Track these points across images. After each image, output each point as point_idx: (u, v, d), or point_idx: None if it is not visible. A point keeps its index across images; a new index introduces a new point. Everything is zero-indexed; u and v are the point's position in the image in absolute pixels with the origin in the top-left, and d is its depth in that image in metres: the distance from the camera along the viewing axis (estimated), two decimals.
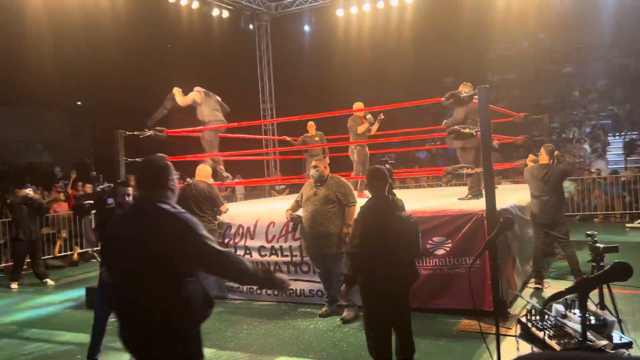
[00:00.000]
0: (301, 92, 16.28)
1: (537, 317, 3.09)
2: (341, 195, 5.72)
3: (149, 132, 7.90)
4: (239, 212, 7.33)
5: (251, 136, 11.63)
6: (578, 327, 2.77)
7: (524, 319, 3.15)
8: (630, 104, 18.23)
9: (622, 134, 16.72)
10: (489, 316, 5.41)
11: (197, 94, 8.31)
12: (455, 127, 5.94)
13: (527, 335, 3.07)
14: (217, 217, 6.98)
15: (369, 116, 8.74)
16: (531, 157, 7.22)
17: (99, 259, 10.92)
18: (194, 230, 2.47)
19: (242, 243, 6.94)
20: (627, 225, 10.91)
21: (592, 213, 11.94)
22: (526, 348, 3.08)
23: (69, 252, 10.79)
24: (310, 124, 10.01)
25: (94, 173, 5.54)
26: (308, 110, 9.60)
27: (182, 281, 2.40)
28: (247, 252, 6.89)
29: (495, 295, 5.24)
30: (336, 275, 5.75)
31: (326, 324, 5.73)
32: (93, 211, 4.87)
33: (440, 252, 5.70)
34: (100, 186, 5.21)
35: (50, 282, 8.80)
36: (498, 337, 3.33)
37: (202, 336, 2.58)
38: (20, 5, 12.98)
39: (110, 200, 4.81)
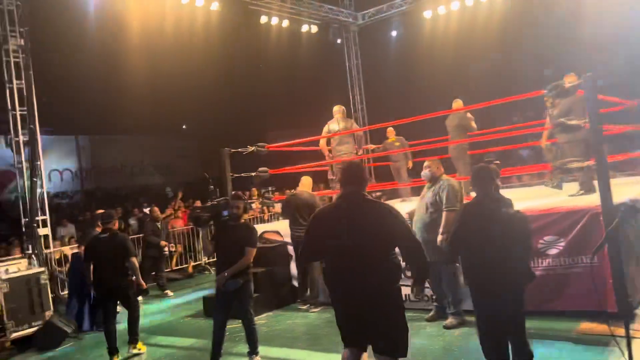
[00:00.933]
0: (392, 98, 16.26)
1: None
2: (440, 199, 5.54)
3: (252, 149, 8.30)
4: None
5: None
6: None
7: None
8: None
9: None
10: (611, 318, 5.08)
11: None
12: (561, 119, 5.66)
13: None
14: None
15: (468, 114, 8.56)
16: None
17: (213, 270, 11.65)
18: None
19: None
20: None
21: None
22: None
23: (184, 265, 11.55)
24: (390, 129, 10.00)
25: (212, 187, 5.95)
26: (399, 115, 9.57)
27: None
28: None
29: (621, 294, 4.94)
30: (445, 282, 5.67)
31: (434, 328, 5.68)
32: (210, 222, 5.27)
33: (553, 251, 5.44)
34: (216, 199, 5.58)
35: (170, 293, 9.48)
36: (629, 339, 3.13)
37: None
38: (122, 37, 14.13)
39: (225, 212, 5.14)
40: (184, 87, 19.70)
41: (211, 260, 12.25)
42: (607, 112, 7.98)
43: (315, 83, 16.48)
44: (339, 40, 14.20)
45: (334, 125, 8.52)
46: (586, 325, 5.09)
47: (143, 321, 7.17)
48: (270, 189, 15.68)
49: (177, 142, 27.39)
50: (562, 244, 5.40)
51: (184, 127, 28.41)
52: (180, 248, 11.52)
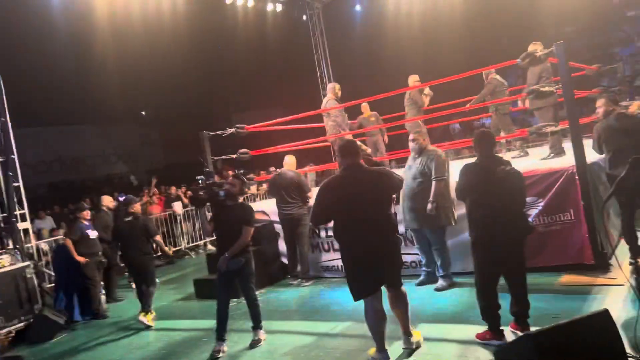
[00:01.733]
0: (359, 74, 16.40)
1: None
2: (429, 169, 5.78)
3: (231, 130, 8.32)
4: None
5: (314, 125, 11.86)
6: None
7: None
8: None
9: None
10: (589, 269, 5.47)
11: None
12: (534, 86, 5.95)
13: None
14: (307, 202, 7.33)
15: (427, 90, 8.83)
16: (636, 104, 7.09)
17: (194, 254, 11.69)
18: (391, 175, 4.24)
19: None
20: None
21: None
22: None
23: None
24: (364, 105, 10.17)
25: (207, 169, 6.01)
26: (366, 92, 9.72)
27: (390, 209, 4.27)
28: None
29: (596, 247, 5.32)
30: (435, 246, 5.94)
31: (426, 292, 5.96)
32: (207, 203, 5.40)
33: (533, 211, 5.77)
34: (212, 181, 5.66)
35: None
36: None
37: None
38: (81, 25, 13.72)
39: (222, 193, 5.23)
40: (144, 71, 19.30)
41: (191, 244, 12.30)
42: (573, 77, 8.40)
43: (282, 62, 16.44)
44: (304, 17, 14.16)
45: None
46: (567, 278, 5.46)
47: (136, 309, 7.22)
48: (241, 170, 15.68)
49: (139, 129, 26.89)
50: (541, 204, 5.73)
51: (142, 113, 27.87)
52: (158, 237, 11.44)
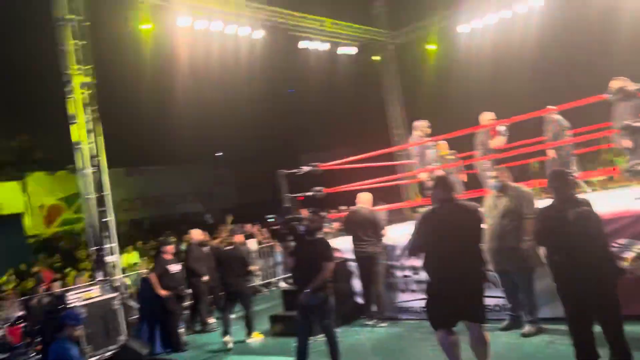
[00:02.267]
0: (432, 113, 16.28)
1: None
2: (519, 206, 5.55)
3: (307, 168, 8.49)
4: (402, 233, 7.54)
5: (385, 163, 11.84)
6: None
7: None
8: None
9: None
10: None
11: None
12: (627, 122, 5.67)
13: None
14: (382, 240, 7.25)
15: (500, 127, 8.51)
16: None
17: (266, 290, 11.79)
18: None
19: (408, 263, 7.11)
20: None
21: None
22: None
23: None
24: (443, 143, 9.97)
25: (287, 205, 6.17)
26: (440, 130, 9.62)
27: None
28: (415, 271, 7.03)
29: None
30: (523, 289, 5.67)
31: (511, 338, 5.65)
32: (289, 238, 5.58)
33: (630, 254, 5.38)
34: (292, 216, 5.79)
35: (231, 315, 9.63)
36: None
37: None
38: (161, 68, 14.56)
39: (302, 228, 5.34)
40: (219, 115, 20.19)
41: (264, 281, 12.43)
42: None
43: (352, 103, 16.70)
44: (378, 57, 14.41)
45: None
46: None
47: (217, 342, 7.31)
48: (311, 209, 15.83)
49: (214, 170, 27.99)
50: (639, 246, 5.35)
51: (220, 153, 29.04)
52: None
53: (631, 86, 5.69)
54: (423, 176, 7.97)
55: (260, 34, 11.86)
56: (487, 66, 15.15)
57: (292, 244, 5.59)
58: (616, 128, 6.04)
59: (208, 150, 26.97)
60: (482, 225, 4.48)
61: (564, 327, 5.45)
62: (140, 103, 18.48)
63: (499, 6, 12.59)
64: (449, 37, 14.07)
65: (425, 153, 8.15)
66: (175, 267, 7.76)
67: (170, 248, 7.87)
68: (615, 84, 6.15)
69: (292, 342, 6.78)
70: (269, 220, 17.79)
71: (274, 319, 7.68)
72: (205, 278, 8.35)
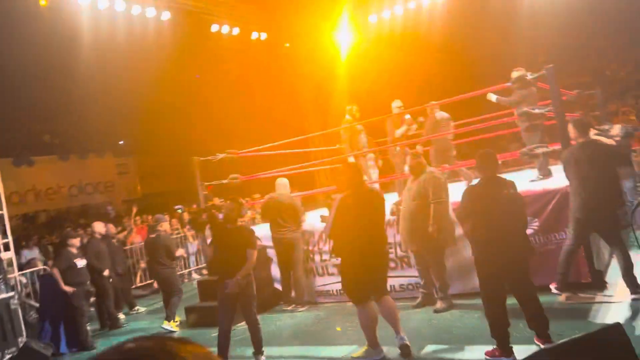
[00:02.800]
0: (343, 101, 16.53)
1: None
2: (426, 191, 5.80)
3: (221, 155, 8.29)
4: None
5: (299, 150, 11.88)
6: None
7: None
8: None
9: None
10: (586, 288, 5.54)
11: None
12: (525, 109, 6.12)
13: None
14: (302, 226, 7.28)
15: (408, 117, 8.86)
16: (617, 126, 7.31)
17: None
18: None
19: (326, 247, 7.20)
20: None
21: None
22: None
23: (149, 281, 11.27)
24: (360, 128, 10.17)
25: (206, 192, 5.97)
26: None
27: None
28: (333, 255, 7.14)
29: (592, 265, 5.41)
30: (433, 268, 5.95)
31: (425, 314, 5.94)
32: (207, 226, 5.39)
33: (529, 231, 5.84)
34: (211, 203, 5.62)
35: (141, 309, 9.26)
36: None
37: None
38: (57, 52, 13.55)
39: (221, 216, 5.20)
40: (123, 101, 19.16)
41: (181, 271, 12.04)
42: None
43: (263, 90, 16.50)
44: (287, 44, 14.35)
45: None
46: (566, 297, 5.52)
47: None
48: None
49: (115, 159, 26.53)
50: (537, 223, 5.83)
51: (121, 142, 27.57)
52: (143, 264, 11.23)
53: (529, 75, 6.13)
54: (351, 161, 7.91)
55: (166, 15, 11.36)
56: (396, 55, 15.61)
57: (212, 232, 5.40)
58: (516, 114, 6.49)
59: (109, 138, 25.46)
60: (385, 208, 4.83)
61: (473, 302, 5.86)
62: (31, 87, 17.04)
63: None
64: (361, 26, 14.30)
65: (355, 138, 8.12)
66: (81, 262, 7.27)
67: (76, 241, 7.37)
68: (516, 73, 6.60)
69: (210, 333, 6.68)
70: (176, 210, 17.26)
71: (190, 310, 7.48)
72: (106, 273, 7.90)
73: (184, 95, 20.38)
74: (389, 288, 6.60)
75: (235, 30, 12.61)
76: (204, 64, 16.72)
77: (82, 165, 24.31)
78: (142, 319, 8.72)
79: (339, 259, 6.92)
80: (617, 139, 8.03)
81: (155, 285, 11.27)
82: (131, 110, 19.91)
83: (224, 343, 5.07)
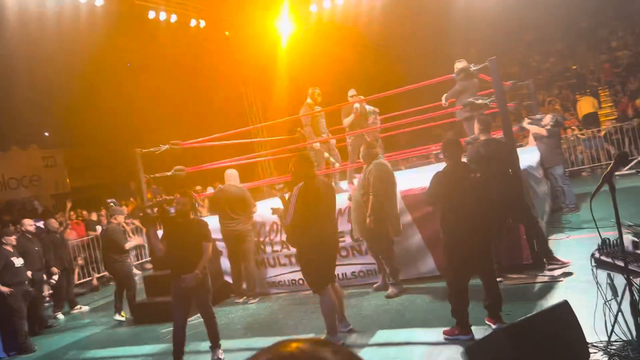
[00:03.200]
0: (283, 91, 16.49)
1: (609, 250, 3.50)
2: (369, 182, 5.88)
3: (165, 147, 8.04)
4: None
5: (244, 141, 11.77)
6: None
7: (597, 253, 3.55)
8: (592, 62, 19.20)
9: (588, 90, 17.55)
10: (528, 269, 5.87)
11: None
12: (470, 99, 6.35)
13: (603, 264, 3.48)
14: (251, 217, 7.22)
15: (356, 105, 8.97)
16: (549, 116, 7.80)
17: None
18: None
19: (277, 238, 7.20)
20: (615, 173, 11.58)
21: (580, 167, 12.63)
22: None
23: (87, 278, 10.84)
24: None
25: (155, 187, 5.74)
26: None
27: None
28: (285, 246, 7.15)
29: (533, 247, 5.74)
30: (383, 255, 6.08)
31: (378, 300, 6.07)
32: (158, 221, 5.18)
33: None
34: (160, 199, 5.44)
35: (84, 307, 8.89)
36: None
37: None
38: None
39: (172, 210, 5.05)
40: (48, 91, 18.15)
41: None
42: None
43: (200, 81, 16.11)
44: (227, 32, 14.07)
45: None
46: (510, 277, 5.82)
47: (71, 338, 6.76)
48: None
49: (41, 152, 25.10)
50: None
51: (46, 134, 26.11)
52: (80, 260, 10.76)
53: (473, 67, 6.37)
54: (316, 146, 7.83)
55: (100, 1, 10.85)
56: (334, 46, 15.69)
57: (163, 227, 5.22)
58: (449, 99, 6.74)
59: (33, 129, 24.02)
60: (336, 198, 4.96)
61: (424, 286, 6.07)
62: None
63: None
64: (301, 15, 14.26)
65: (315, 122, 7.96)
66: (19, 261, 6.86)
67: (11, 239, 6.93)
68: (458, 65, 6.83)
69: (158, 329, 6.54)
70: (110, 204, 16.61)
71: (137, 306, 7.26)
72: (54, 271, 7.56)
73: (117, 85, 19.56)
74: (340, 276, 6.79)
75: (173, 18, 12.20)
76: (141, 51, 16.09)
77: (3, 159, 22.85)
78: (81, 318, 8.38)
79: (294, 249, 7.01)
80: (548, 127, 8.55)
81: (95, 282, 10.93)
82: (58, 100, 18.91)
83: (180, 338, 4.97)
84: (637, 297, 3.21)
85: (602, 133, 12.82)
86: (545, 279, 5.52)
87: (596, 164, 12.53)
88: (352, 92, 8.10)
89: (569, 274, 5.46)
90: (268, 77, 15.47)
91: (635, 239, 3.44)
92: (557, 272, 5.55)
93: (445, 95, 7.49)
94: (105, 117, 21.33)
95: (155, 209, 5.23)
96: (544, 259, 5.72)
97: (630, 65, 17.82)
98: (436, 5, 18.88)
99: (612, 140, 12.37)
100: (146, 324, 6.99)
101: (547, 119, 8.64)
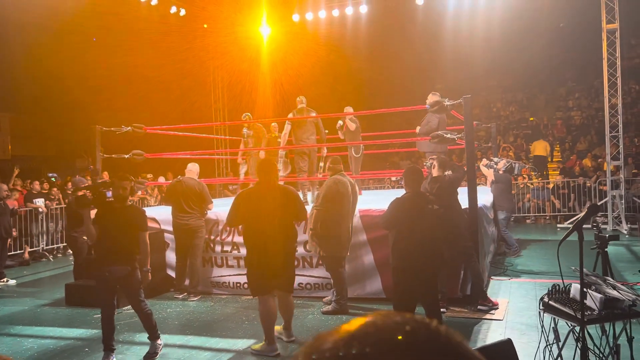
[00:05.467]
0: (249, 97, 16.41)
1: (559, 296, 3.64)
2: (319, 196, 6.02)
3: (127, 129, 7.83)
4: (227, 209, 7.47)
5: (209, 136, 11.62)
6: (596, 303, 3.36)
7: (546, 298, 3.69)
8: (547, 116, 20.16)
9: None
10: (462, 303, 6.02)
11: None
12: (439, 132, 6.52)
13: (551, 309, 3.62)
14: (206, 213, 7.10)
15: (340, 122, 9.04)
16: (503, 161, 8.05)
17: (52, 257, 10.55)
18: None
19: (229, 239, 7.10)
20: (558, 225, 12.18)
21: (525, 215, 13.17)
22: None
23: (19, 251, 10.30)
24: (273, 125, 10.19)
25: (92, 167, 5.56)
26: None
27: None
28: (235, 248, 7.06)
29: (476, 282, 5.91)
30: (330, 273, 6.09)
31: (319, 312, 6.07)
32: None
33: None
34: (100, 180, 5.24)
35: (11, 281, 8.42)
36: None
37: None
38: None
39: (109, 194, 4.85)
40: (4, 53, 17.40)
41: (50, 246, 11.12)
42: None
43: (178, 68, 15.78)
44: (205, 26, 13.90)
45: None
46: (452, 309, 5.96)
47: None
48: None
49: None
50: None
51: None
52: (15, 232, 10.22)
53: (447, 102, 6.56)
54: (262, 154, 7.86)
55: None
56: (310, 56, 15.81)
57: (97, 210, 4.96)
58: (424, 135, 6.91)
59: None
60: (296, 206, 4.86)
61: (368, 306, 6.12)
62: None
63: (331, 4, 13.23)
64: (282, 22, 14.28)
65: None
66: None
67: None
68: (433, 97, 7.02)
69: (91, 313, 6.29)
70: (51, 178, 15.96)
71: (70, 288, 6.95)
72: None
73: (79, 58, 18.88)
74: (299, 286, 6.74)
75: (154, 1, 11.95)
76: (113, 29, 15.65)
77: None
78: (8, 292, 7.94)
79: (244, 251, 6.94)
80: (500, 171, 8.90)
81: (27, 255, 10.38)
82: (10, 62, 18.10)
83: (108, 326, 4.76)
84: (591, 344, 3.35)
85: (551, 185, 13.44)
86: (486, 315, 5.69)
87: (541, 214, 13.10)
88: (301, 98, 8.13)
89: (502, 315, 5.64)
90: (238, 76, 15.37)
91: (586, 289, 3.60)
92: (489, 312, 5.72)
93: (419, 128, 7.70)
94: (60, 88, 20.51)
95: (88, 192, 4.98)
96: (477, 297, 5.84)
97: (582, 126, 18.83)
98: (408, 40, 19.50)
99: (559, 194, 12.99)
100: (79, 306, 6.71)
101: (502, 164, 8.98)
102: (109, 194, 4.92)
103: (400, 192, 4.88)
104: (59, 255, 11.30)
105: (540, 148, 16.00)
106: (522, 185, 13.38)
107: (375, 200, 7.52)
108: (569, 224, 10.92)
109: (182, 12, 12.84)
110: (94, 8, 13.20)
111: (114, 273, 4.72)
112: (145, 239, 4.88)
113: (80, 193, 6.78)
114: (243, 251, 6.98)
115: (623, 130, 11.32)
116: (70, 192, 7.66)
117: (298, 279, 6.77)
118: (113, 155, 7.92)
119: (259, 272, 4.66)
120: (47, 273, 9.47)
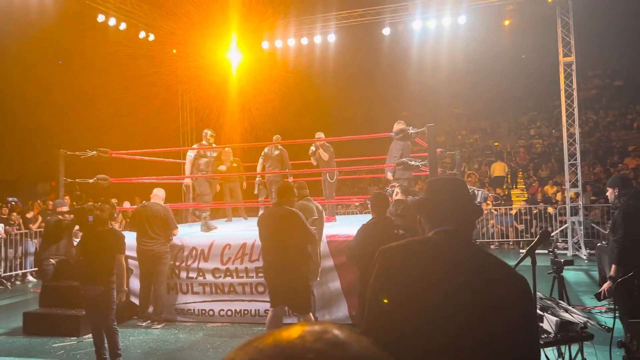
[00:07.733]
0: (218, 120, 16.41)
1: None
2: None
3: (92, 152, 7.73)
4: (193, 234, 7.42)
5: (175, 161, 11.54)
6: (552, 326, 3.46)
7: None
8: (510, 144, 20.77)
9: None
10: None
11: None
12: (404, 159, 6.67)
13: None
14: (171, 239, 7.02)
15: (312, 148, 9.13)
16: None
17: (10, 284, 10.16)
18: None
19: (195, 265, 7.02)
20: (521, 251, 12.45)
21: (489, 240, 13.43)
22: None
23: None
24: (227, 150, 10.11)
25: (78, 192, 5.52)
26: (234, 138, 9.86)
27: None
28: (200, 274, 6.99)
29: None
30: None
31: None
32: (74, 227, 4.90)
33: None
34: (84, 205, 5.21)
35: None
36: None
37: None
38: None
39: (91, 217, 4.90)
40: None
41: (7, 273, 10.74)
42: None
43: (145, 93, 15.67)
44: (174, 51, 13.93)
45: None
46: None
47: None
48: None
49: None
50: None
51: None
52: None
53: (411, 130, 6.72)
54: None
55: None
56: (277, 85, 15.98)
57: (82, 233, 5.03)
58: (390, 162, 7.05)
59: None
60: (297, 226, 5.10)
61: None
62: None
63: (301, 32, 13.47)
64: (251, 49, 14.43)
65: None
66: None
67: None
68: (398, 126, 7.19)
69: (49, 342, 6.09)
70: (10, 202, 15.52)
71: (29, 317, 6.72)
72: None
73: (44, 80, 18.59)
74: (253, 313, 6.69)
75: (123, 25, 11.93)
76: (81, 52, 15.53)
77: None
78: None
79: (210, 278, 6.94)
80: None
81: None
82: None
83: (98, 342, 4.91)
84: None
85: (514, 212, 13.77)
86: None
87: (504, 240, 13.39)
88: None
89: None
90: (206, 101, 15.38)
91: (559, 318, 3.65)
92: None
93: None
94: (22, 111, 20.09)
95: (69, 216, 5.03)
96: None
97: (543, 154, 19.46)
98: (375, 68, 19.98)
99: (522, 219, 13.32)
100: (37, 335, 6.49)
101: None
102: (90, 218, 5.07)
103: (367, 217, 4.97)
104: (17, 282, 10.92)
105: (499, 169, 17.10)
106: (485, 212, 13.66)
107: (344, 226, 7.57)
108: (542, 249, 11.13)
109: (151, 37, 12.85)
110: (61, 31, 13.08)
111: (87, 292, 4.82)
112: (121, 261, 5.03)
113: (60, 217, 6.74)
114: (210, 278, 6.94)
115: (581, 158, 11.75)
116: (49, 211, 7.53)
117: (257, 306, 6.73)
118: (77, 180, 7.79)
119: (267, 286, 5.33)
120: (4, 301, 9.13)
